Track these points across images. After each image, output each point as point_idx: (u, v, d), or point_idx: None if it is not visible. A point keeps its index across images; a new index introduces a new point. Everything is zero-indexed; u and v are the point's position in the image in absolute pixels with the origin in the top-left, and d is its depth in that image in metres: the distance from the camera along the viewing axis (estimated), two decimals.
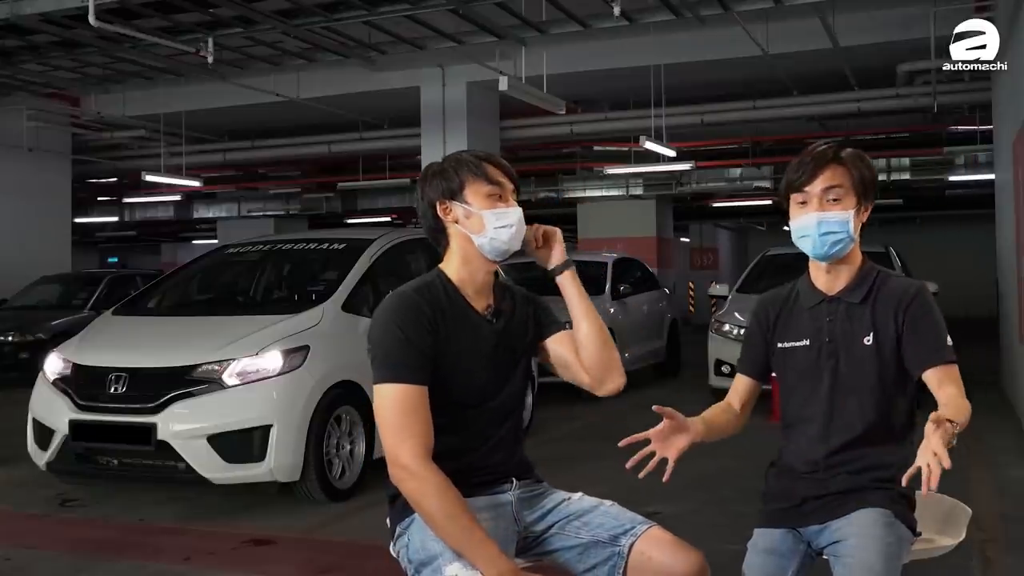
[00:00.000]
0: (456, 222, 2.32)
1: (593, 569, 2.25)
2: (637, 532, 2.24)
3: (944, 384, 2.30)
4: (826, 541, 2.32)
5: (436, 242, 2.39)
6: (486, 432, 2.31)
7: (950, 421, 2.06)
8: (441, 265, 2.38)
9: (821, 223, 2.38)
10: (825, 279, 2.47)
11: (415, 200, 2.40)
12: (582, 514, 2.30)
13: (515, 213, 2.33)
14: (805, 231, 2.41)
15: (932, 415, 2.08)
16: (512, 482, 2.34)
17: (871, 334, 2.39)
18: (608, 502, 2.36)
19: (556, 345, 2.44)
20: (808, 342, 2.46)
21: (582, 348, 2.39)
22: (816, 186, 2.40)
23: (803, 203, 2.42)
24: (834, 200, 2.38)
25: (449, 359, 2.24)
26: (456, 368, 2.26)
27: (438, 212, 2.34)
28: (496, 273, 2.41)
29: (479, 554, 2.07)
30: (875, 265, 2.49)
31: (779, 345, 2.51)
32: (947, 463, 1.98)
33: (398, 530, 2.30)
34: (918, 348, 2.35)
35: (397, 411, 2.16)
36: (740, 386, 2.62)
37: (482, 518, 2.16)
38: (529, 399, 7.46)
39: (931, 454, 1.98)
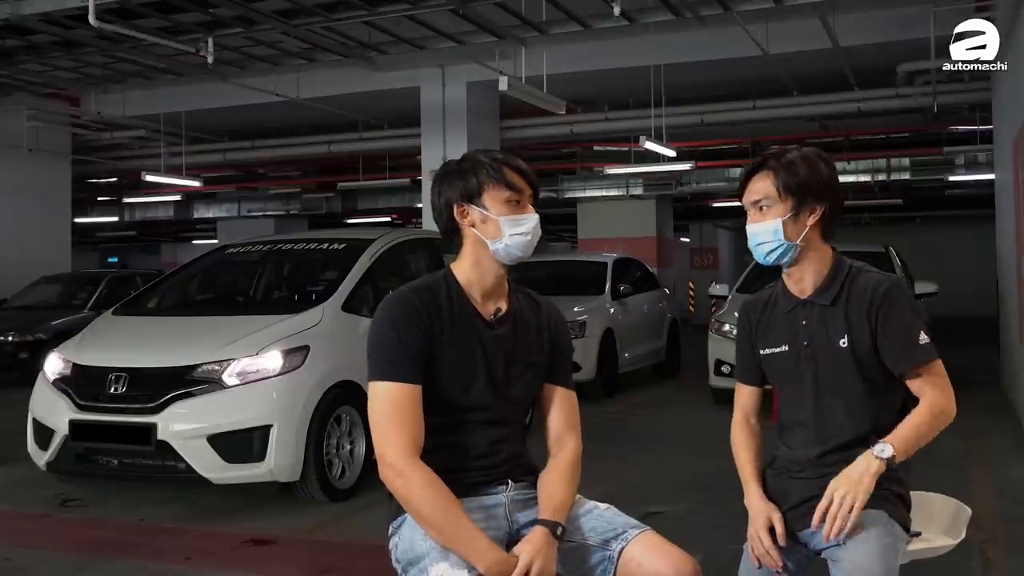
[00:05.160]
0: (472, 226, 2.30)
1: (583, 573, 2.23)
2: (628, 537, 2.21)
3: (923, 390, 2.31)
4: (823, 543, 2.30)
5: (449, 240, 2.36)
6: (481, 434, 2.29)
7: (879, 458, 2.18)
8: (452, 264, 2.36)
9: (752, 235, 2.42)
10: (791, 282, 2.47)
11: (431, 196, 2.36)
12: (575, 517, 2.28)
13: (532, 220, 2.31)
14: (749, 242, 2.46)
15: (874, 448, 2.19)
16: (508, 483, 2.32)
17: (846, 335, 2.36)
18: (604, 505, 2.34)
19: (549, 396, 2.41)
20: (787, 347, 2.45)
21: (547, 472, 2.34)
22: (746, 198, 2.43)
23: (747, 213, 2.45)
24: (763, 210, 2.39)
25: (443, 360, 2.24)
26: (451, 369, 2.25)
27: (455, 214, 2.31)
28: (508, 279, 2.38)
29: (469, 546, 2.08)
30: (847, 261, 2.45)
31: (761, 352, 2.51)
32: (859, 505, 2.12)
33: (390, 529, 2.31)
34: (891, 347, 2.32)
35: (386, 409, 2.17)
36: (744, 395, 2.59)
37: (473, 518, 2.15)
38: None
39: (845, 491, 2.14)
